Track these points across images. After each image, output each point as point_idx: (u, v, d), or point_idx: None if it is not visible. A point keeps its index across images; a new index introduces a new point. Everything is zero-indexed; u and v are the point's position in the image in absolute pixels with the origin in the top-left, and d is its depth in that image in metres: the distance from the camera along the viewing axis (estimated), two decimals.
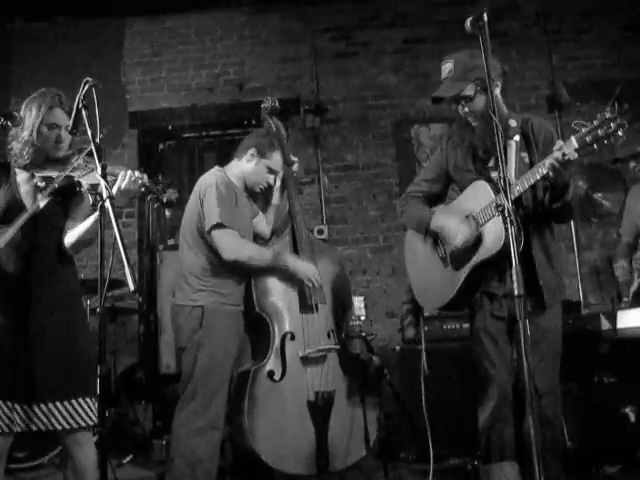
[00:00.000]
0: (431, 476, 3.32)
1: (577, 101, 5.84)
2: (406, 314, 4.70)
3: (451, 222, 3.05)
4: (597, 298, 5.60)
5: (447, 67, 2.97)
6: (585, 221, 5.72)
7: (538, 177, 2.66)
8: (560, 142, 2.61)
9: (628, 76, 5.83)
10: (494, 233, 2.80)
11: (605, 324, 3.94)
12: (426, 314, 4.36)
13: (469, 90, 2.92)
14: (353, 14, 6.29)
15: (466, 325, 4.41)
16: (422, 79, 6.08)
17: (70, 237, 2.75)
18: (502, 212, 2.31)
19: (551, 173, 2.62)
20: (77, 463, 2.70)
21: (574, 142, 2.54)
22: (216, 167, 3.58)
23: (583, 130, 2.52)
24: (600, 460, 3.68)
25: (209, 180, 3.41)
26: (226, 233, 3.30)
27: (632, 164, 4.46)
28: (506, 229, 2.29)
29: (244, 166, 3.56)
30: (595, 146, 2.51)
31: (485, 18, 2.35)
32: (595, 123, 2.48)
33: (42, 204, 2.64)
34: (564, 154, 2.55)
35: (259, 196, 3.90)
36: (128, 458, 4.55)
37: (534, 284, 2.87)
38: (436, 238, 3.17)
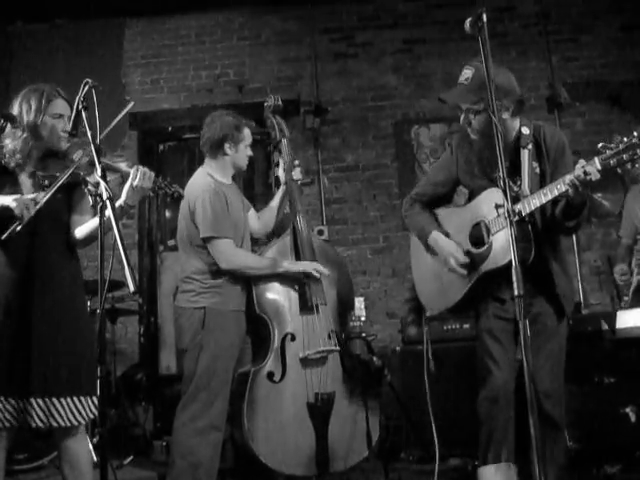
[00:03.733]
0: (436, 476, 3.31)
1: (576, 101, 5.85)
2: (408, 313, 4.70)
3: (445, 245, 3.06)
4: (597, 298, 5.61)
5: (466, 74, 2.87)
6: (585, 221, 5.70)
7: (557, 193, 2.62)
8: (582, 161, 2.55)
9: (627, 77, 5.86)
10: (503, 245, 2.78)
11: (604, 325, 3.94)
12: (427, 314, 4.36)
13: (477, 106, 2.85)
14: (353, 15, 6.29)
15: (467, 325, 4.42)
16: (422, 80, 6.09)
17: (81, 231, 2.76)
18: (507, 216, 2.29)
19: (570, 191, 2.58)
20: (70, 453, 2.68)
21: (597, 163, 2.49)
22: (201, 169, 3.58)
23: (608, 152, 2.47)
24: (600, 460, 3.68)
25: (198, 190, 3.41)
26: (220, 244, 3.32)
27: None
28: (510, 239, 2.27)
29: (226, 160, 3.55)
30: (618, 170, 2.48)
31: (484, 19, 2.35)
32: (621, 147, 2.44)
33: (45, 199, 2.63)
34: (586, 172, 2.50)
35: (259, 197, 3.92)
36: (128, 459, 4.54)
37: (552, 295, 2.87)
38: None
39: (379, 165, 6.03)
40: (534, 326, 2.70)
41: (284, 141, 3.78)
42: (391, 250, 5.84)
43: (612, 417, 3.73)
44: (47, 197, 2.54)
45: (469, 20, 2.38)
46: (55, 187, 2.56)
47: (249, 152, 3.63)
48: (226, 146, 3.52)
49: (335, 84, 6.18)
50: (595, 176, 2.50)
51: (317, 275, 3.49)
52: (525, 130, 2.93)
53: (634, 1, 5.99)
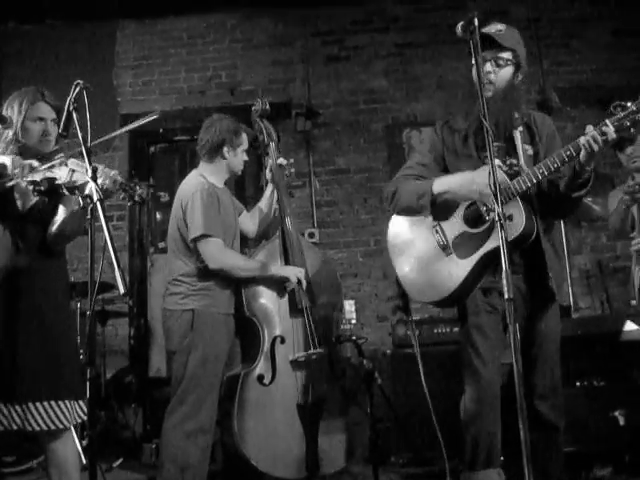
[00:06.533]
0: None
1: (567, 106, 5.87)
2: (394, 310, 4.66)
3: (458, 178, 2.82)
4: (587, 302, 5.62)
5: (497, 26, 2.90)
6: (575, 225, 5.74)
7: (566, 159, 2.58)
8: (590, 127, 2.54)
9: (618, 82, 5.88)
10: (509, 218, 2.61)
11: (632, 325, 3.92)
12: (416, 318, 4.34)
13: (507, 55, 2.86)
14: (345, 18, 6.30)
15: (457, 329, 4.40)
16: (413, 83, 6.10)
17: (54, 225, 2.74)
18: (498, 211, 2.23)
19: (583, 153, 2.54)
20: (56, 455, 2.69)
21: (610, 125, 2.50)
22: (194, 171, 3.60)
23: (621, 113, 2.50)
24: (590, 463, 3.70)
25: (190, 189, 3.42)
26: (210, 243, 3.32)
27: (629, 150, 4.21)
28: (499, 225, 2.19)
29: (223, 163, 3.58)
30: (632, 130, 2.50)
31: (476, 23, 2.35)
32: (634, 107, 2.48)
33: (32, 203, 2.62)
34: (603, 132, 2.49)
35: (250, 200, 3.92)
36: (118, 462, 4.52)
37: (543, 276, 2.78)
38: (434, 223, 3.01)
39: (370, 168, 6.03)
40: (530, 324, 2.75)
41: (272, 145, 3.80)
42: (382, 253, 5.81)
43: (601, 420, 3.75)
44: (45, 167, 2.54)
45: (461, 24, 2.38)
46: (49, 164, 2.55)
47: (245, 157, 3.67)
48: (224, 150, 3.54)
49: (327, 87, 6.18)
50: (611, 136, 2.50)
51: (295, 280, 3.48)
52: (515, 114, 2.89)
53: (625, 7, 6.02)
